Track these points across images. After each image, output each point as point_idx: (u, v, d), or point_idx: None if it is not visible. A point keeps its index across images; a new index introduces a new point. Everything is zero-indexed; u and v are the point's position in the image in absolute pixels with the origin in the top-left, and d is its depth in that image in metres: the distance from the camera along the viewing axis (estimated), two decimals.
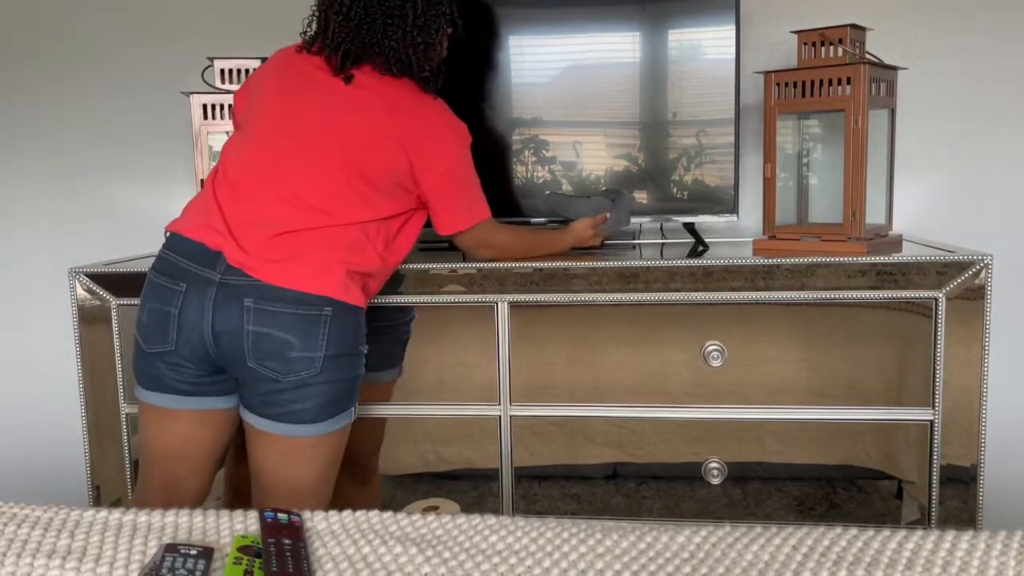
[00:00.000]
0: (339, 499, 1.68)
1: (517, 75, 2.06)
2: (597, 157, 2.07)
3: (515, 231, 1.83)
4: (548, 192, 2.04)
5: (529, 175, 2.09)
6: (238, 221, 1.54)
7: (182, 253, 1.54)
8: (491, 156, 2.06)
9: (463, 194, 1.71)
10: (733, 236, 2.23)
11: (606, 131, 2.06)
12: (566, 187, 2.09)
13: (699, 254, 1.90)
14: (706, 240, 2.11)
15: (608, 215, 1.93)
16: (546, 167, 2.07)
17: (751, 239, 1.97)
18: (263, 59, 2.01)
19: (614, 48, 2.05)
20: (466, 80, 2.04)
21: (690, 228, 2.10)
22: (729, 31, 1.98)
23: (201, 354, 1.51)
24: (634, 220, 2.05)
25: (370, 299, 1.65)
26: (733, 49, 1.98)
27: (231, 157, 1.62)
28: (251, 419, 1.56)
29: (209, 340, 1.50)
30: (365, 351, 1.62)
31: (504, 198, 2.07)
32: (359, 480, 1.91)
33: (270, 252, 1.52)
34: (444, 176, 1.65)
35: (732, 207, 2.03)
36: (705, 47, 2.02)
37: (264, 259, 1.51)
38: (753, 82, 2.21)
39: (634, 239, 2.20)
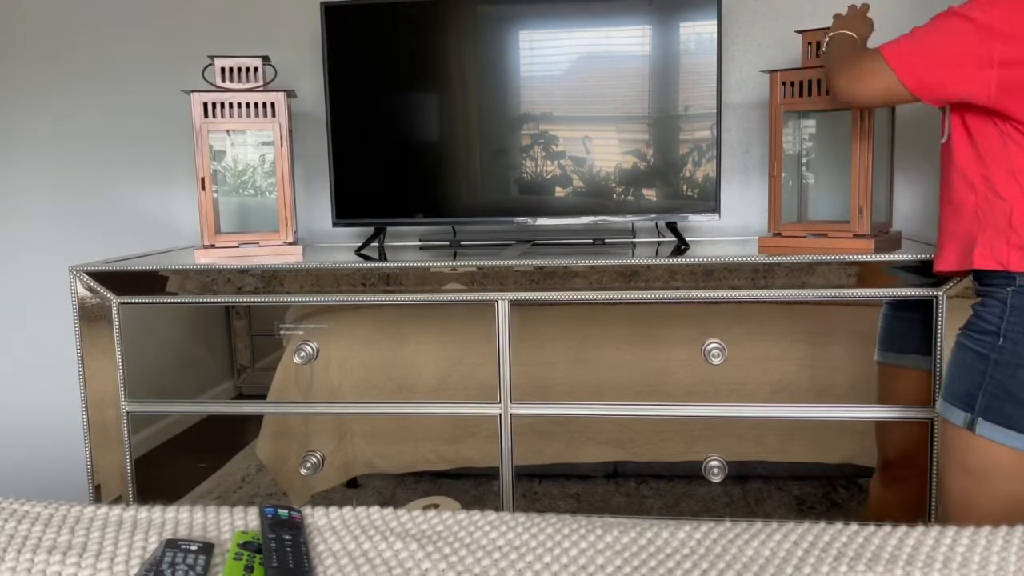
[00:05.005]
0: None
1: (526, 69, 2.05)
2: (607, 152, 2.06)
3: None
4: None
5: (539, 170, 2.08)
6: None
7: None
8: (500, 151, 2.06)
9: None
10: (738, 235, 2.23)
11: (617, 126, 2.05)
12: (577, 183, 2.01)
13: (681, 253, 1.89)
14: (714, 239, 2.10)
15: None
16: (555, 162, 2.07)
17: (756, 236, 1.97)
18: (264, 58, 2.00)
19: (622, 42, 2.04)
20: (475, 74, 2.05)
21: (672, 227, 2.09)
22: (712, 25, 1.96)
23: None
24: (630, 219, 2.05)
25: None
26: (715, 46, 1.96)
27: None
28: None
29: None
30: None
31: (513, 193, 2.08)
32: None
33: None
34: None
35: (715, 206, 2.00)
36: (690, 43, 2.00)
37: None
38: (758, 81, 2.21)
39: (633, 237, 2.20)
